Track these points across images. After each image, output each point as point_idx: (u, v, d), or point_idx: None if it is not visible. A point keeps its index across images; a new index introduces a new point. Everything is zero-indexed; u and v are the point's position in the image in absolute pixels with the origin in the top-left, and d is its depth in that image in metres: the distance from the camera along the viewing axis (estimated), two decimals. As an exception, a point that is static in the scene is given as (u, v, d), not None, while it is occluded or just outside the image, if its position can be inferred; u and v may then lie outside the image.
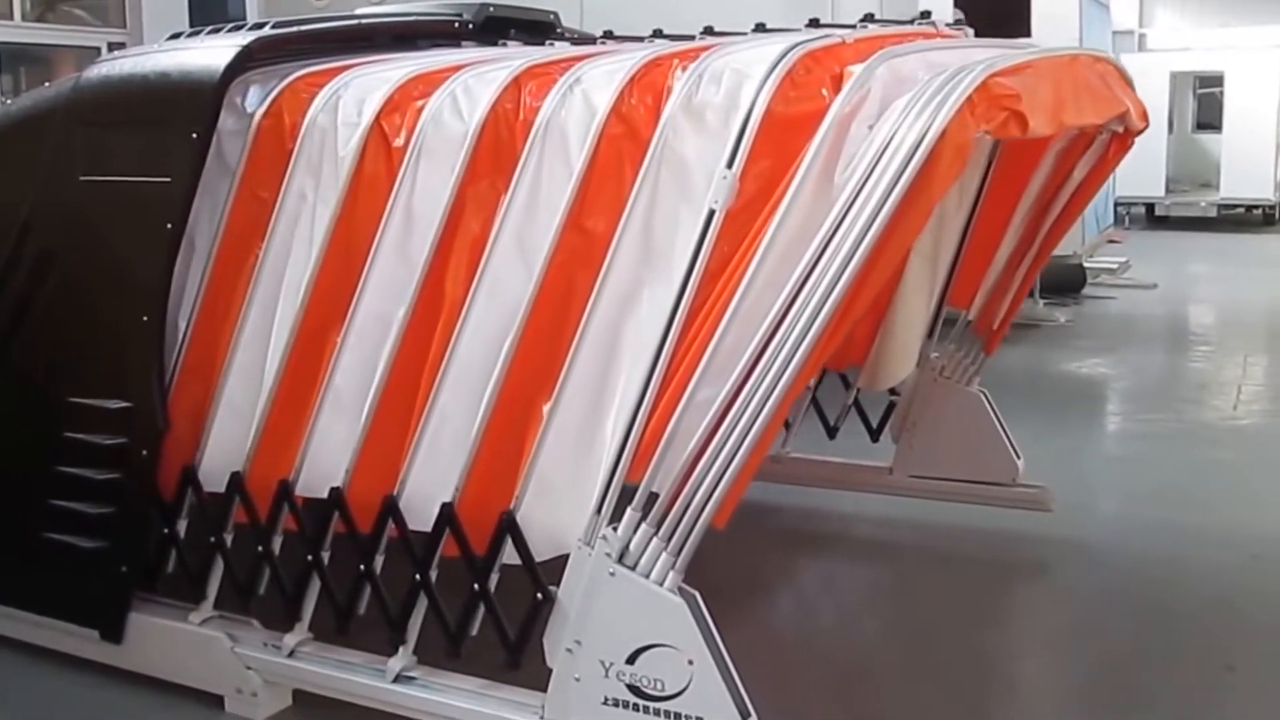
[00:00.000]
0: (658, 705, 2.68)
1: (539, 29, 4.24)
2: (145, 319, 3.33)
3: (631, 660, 2.69)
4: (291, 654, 3.27)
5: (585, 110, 2.92)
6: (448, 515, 3.00)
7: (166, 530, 3.42)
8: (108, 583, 3.44)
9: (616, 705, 2.72)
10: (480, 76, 3.16)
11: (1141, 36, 15.86)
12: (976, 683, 3.55)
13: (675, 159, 2.79)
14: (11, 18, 9.26)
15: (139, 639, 3.47)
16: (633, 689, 2.70)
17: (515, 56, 3.35)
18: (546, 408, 2.89)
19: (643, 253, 2.83)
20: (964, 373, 4.31)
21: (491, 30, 4.07)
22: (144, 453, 3.36)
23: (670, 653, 2.65)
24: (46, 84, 4.11)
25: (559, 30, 4.33)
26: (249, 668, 3.32)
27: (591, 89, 2.95)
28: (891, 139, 2.49)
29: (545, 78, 3.08)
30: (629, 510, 2.71)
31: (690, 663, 2.63)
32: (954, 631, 3.83)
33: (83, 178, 3.44)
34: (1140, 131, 3.59)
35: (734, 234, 2.67)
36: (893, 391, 4.44)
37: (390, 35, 3.91)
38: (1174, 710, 3.37)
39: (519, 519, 2.91)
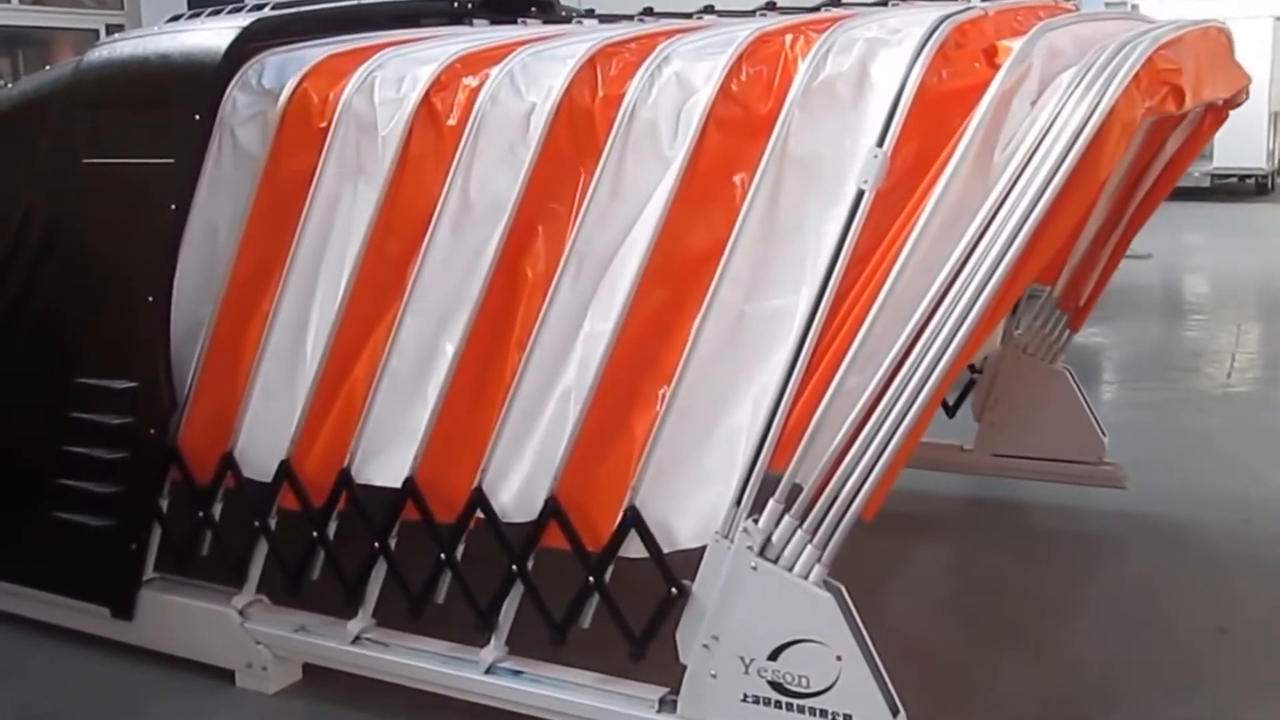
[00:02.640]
0: (802, 702, 2.60)
1: (547, 8, 4.23)
2: (150, 299, 3.34)
3: (774, 656, 2.61)
4: (356, 640, 3.20)
5: (680, 90, 2.82)
6: (552, 507, 2.91)
7: (202, 514, 3.40)
8: (118, 560, 3.48)
9: (757, 702, 2.65)
10: (539, 55, 3.08)
11: (1134, 7, 15.85)
12: (967, 645, 3.58)
13: (802, 137, 2.68)
14: (9, 0, 9.12)
15: (150, 615, 3.48)
16: (775, 685, 2.62)
17: (573, 35, 3.29)
18: (662, 397, 2.79)
19: (769, 234, 2.73)
20: (1048, 350, 4.24)
21: (493, 10, 4.05)
22: (151, 431, 3.37)
23: (817, 648, 2.57)
24: (48, 67, 4.11)
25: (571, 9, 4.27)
26: (259, 643, 3.31)
27: (686, 68, 2.85)
28: (1057, 117, 2.40)
29: (623, 57, 2.98)
30: (771, 502, 2.62)
31: (838, 658, 2.55)
32: (942, 597, 3.92)
33: (86, 160, 3.44)
34: (1239, 105, 3.53)
35: (881, 215, 2.57)
36: (973, 369, 4.37)
37: (392, 16, 3.91)
38: (1167, 670, 3.39)
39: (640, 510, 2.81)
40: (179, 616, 3.46)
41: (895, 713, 2.55)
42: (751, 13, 3.70)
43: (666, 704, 2.83)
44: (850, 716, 2.56)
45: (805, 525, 2.59)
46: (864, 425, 2.51)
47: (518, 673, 3.03)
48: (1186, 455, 5.23)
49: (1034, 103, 2.47)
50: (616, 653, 2.88)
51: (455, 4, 4.05)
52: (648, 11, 3.99)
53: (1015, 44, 2.52)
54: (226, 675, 3.40)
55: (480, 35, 3.53)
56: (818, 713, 2.59)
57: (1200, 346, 7.66)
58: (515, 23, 3.90)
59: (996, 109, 2.46)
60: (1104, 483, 4.38)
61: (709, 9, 3.97)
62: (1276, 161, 15.49)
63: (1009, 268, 2.41)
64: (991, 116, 2.46)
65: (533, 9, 4.18)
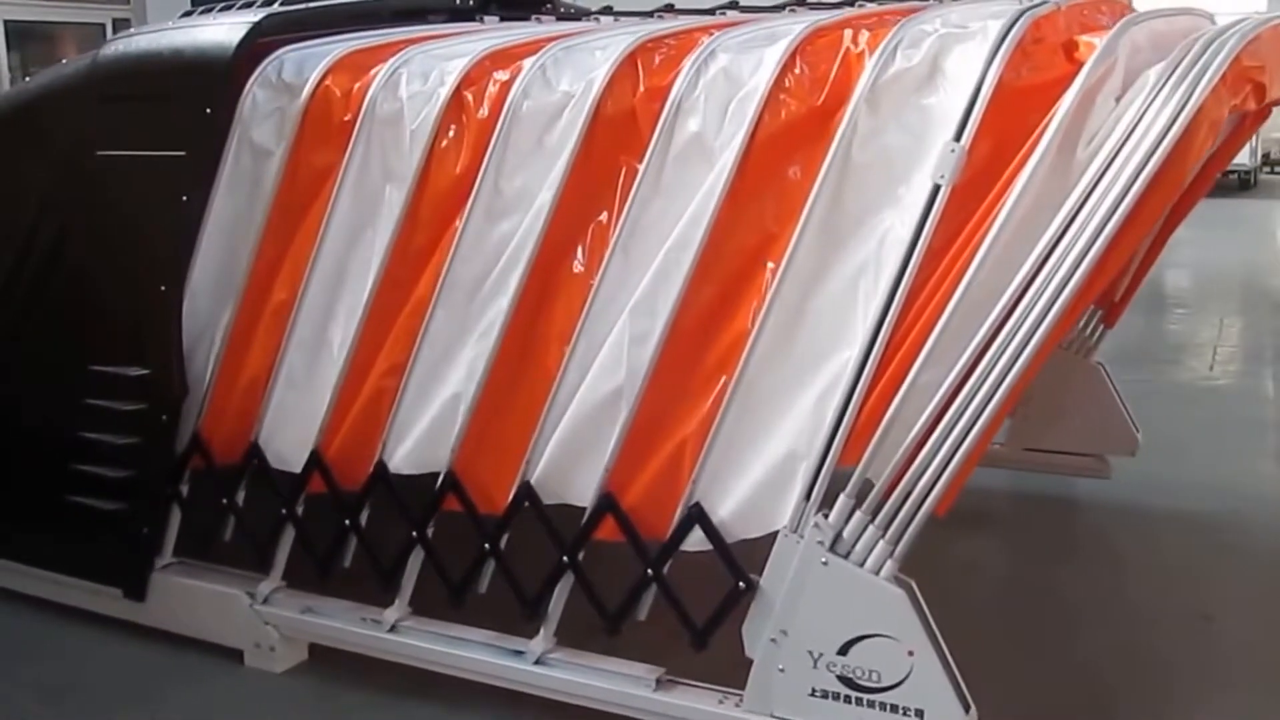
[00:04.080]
0: (872, 697, 2.60)
1: (556, 6, 4.26)
2: (163, 289, 3.39)
3: (844, 651, 2.61)
4: (393, 629, 3.20)
5: (728, 84, 2.80)
6: (608, 502, 2.89)
7: (225, 501, 3.44)
8: (130, 543, 3.55)
9: (825, 696, 2.64)
10: (572, 50, 3.06)
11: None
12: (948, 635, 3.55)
13: (869, 132, 2.66)
14: (16, -5, 9.17)
15: (161, 597, 3.54)
16: (844, 680, 2.62)
17: (601, 30, 3.27)
18: (720, 392, 2.77)
19: (833, 230, 2.69)
20: (1082, 345, 4.24)
21: (503, 7, 4.09)
22: (163, 418, 3.43)
23: (888, 644, 2.56)
24: (64, 60, 4.16)
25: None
26: (267, 623, 3.36)
27: (734, 62, 2.82)
28: (1144, 114, 2.39)
29: (664, 51, 2.97)
30: (842, 497, 2.61)
31: (910, 654, 2.54)
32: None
33: (100, 152, 3.47)
34: (1281, 103, 3.53)
35: (955, 210, 2.55)
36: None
37: (401, 12, 3.96)
38: (1152, 659, 3.41)
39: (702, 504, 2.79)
40: (189, 597, 3.50)
41: (967, 709, 2.55)
42: (779, 8, 3.68)
43: (663, 684, 2.87)
44: (922, 712, 2.56)
45: (877, 521, 2.58)
46: (939, 422, 2.49)
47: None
48: (1170, 445, 5.24)
49: (1118, 99, 2.46)
50: (634, 640, 2.92)
51: (459, 1, 4.08)
52: (667, 8, 3.96)
53: (1097, 40, 2.51)
54: (237, 655, 3.44)
55: (505, 32, 3.53)
56: (888, 707, 2.58)
57: (1183, 339, 7.71)
58: (528, 20, 3.90)
59: (1080, 105, 2.44)
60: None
61: (733, 4, 3.94)
62: (1259, 158, 15.60)
63: (1091, 265, 2.39)
64: (1075, 112, 2.44)
65: (546, 6, 4.17)
